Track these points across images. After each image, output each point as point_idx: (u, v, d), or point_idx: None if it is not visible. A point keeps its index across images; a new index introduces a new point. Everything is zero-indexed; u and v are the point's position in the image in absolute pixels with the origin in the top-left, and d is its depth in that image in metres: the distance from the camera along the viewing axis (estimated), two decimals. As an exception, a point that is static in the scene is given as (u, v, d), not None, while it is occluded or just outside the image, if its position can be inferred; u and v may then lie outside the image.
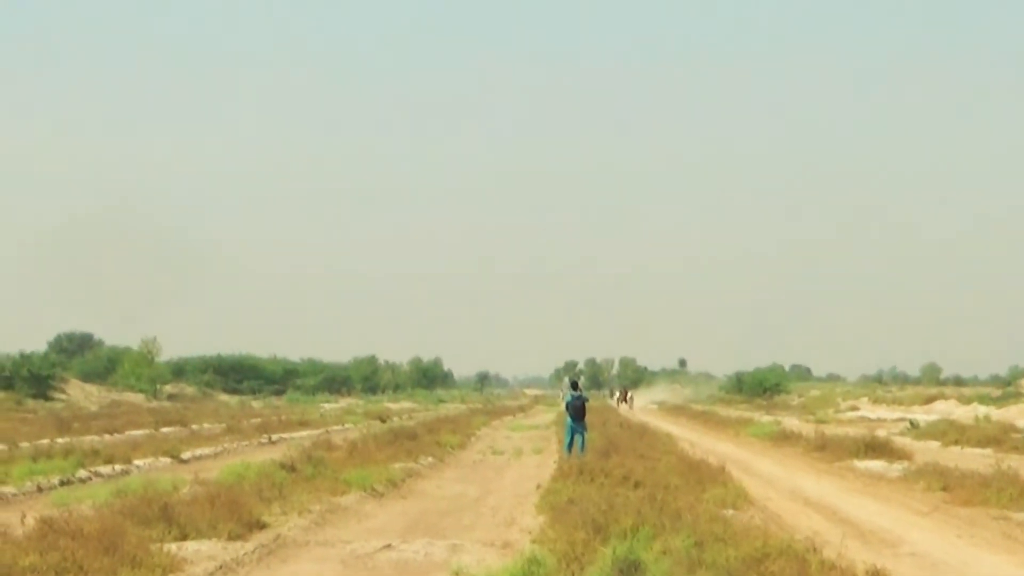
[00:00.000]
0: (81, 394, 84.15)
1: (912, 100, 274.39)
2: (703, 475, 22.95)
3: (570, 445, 30.31)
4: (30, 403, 70.14)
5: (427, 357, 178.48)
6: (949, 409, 71.18)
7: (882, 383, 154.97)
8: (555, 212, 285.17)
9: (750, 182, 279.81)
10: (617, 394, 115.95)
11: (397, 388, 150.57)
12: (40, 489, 22.38)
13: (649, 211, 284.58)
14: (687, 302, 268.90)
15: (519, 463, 32.96)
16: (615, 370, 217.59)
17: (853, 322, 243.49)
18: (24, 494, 21.71)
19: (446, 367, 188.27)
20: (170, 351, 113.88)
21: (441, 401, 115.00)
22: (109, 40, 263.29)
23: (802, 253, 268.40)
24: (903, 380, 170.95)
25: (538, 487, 22.96)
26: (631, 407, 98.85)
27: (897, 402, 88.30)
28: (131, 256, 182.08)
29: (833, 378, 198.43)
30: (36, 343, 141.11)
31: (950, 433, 41.69)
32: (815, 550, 12.84)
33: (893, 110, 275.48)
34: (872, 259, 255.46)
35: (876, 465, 29.14)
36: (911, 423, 49.92)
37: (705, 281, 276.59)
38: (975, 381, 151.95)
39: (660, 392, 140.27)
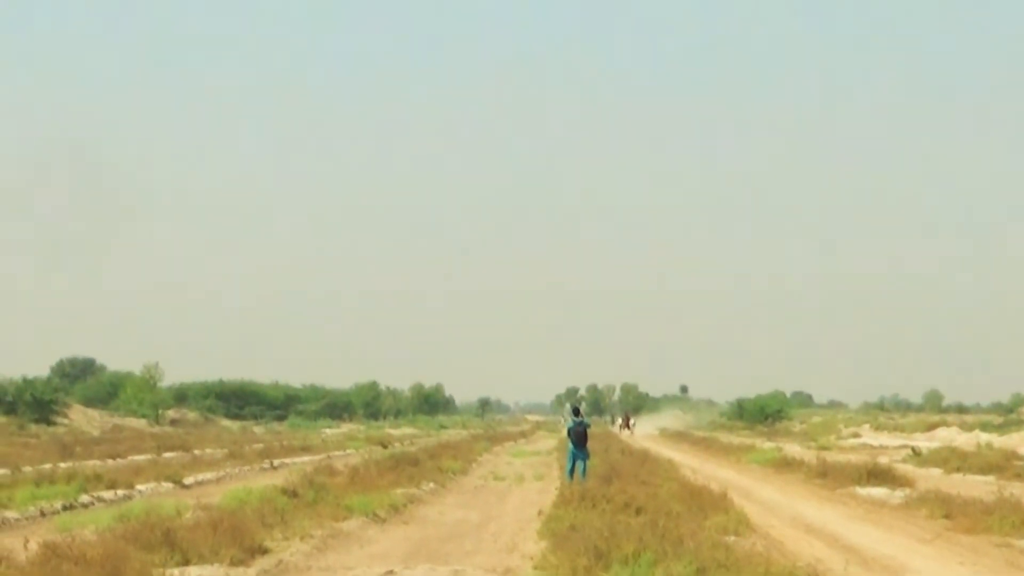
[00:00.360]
0: (83, 419, 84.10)
1: (906, 127, 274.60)
2: (705, 502, 22.95)
3: (572, 471, 30.29)
4: (32, 428, 70.12)
5: (428, 383, 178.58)
6: (951, 436, 71.13)
7: (884, 410, 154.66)
8: (557, 239, 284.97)
9: (749, 211, 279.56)
10: (619, 420, 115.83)
11: (398, 414, 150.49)
12: (43, 514, 22.39)
13: (651, 237, 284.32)
14: (689, 328, 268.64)
15: (521, 489, 32.96)
16: (616, 396, 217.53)
17: (855, 349, 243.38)
18: (27, 519, 21.72)
19: (447, 393, 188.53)
20: (172, 376, 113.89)
21: (442, 427, 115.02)
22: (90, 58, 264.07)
23: (802, 280, 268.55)
24: (905, 407, 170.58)
25: (540, 513, 22.96)
26: (633, 433, 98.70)
27: (899, 429, 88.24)
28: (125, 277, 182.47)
29: (835, 405, 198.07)
30: (38, 368, 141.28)
31: (952, 460, 41.63)
32: (817, 577, 12.85)
33: (891, 137, 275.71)
34: (872, 285, 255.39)
35: (878, 492, 29.12)
36: (913, 450, 49.89)
37: (707, 307, 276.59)
38: (977, 408, 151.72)
39: (662, 418, 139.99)
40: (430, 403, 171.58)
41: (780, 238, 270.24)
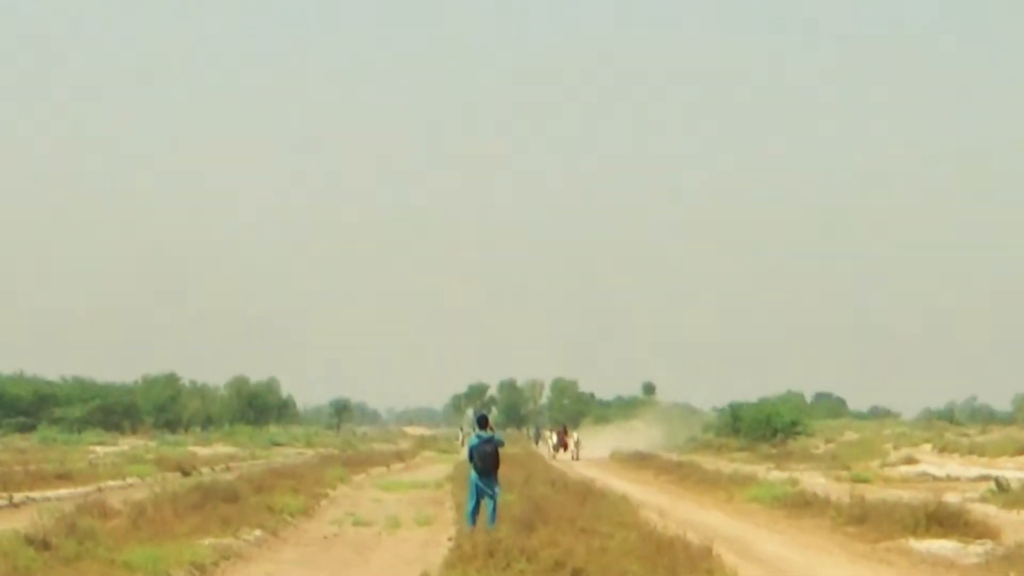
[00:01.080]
0: None
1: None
2: (678, 560, 23.04)
3: (474, 512, 30.37)
4: None
5: (256, 377, 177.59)
6: (1055, 463, 71.79)
7: (954, 422, 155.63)
8: (455, 163, 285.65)
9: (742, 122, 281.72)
10: (550, 436, 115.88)
11: (209, 423, 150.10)
12: None
13: (599, 165, 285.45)
14: (656, 300, 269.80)
15: (395, 540, 33.03)
16: (545, 399, 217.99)
17: (909, 333, 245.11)
18: None
19: (284, 392, 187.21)
20: None
21: (276, 444, 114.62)
22: None
23: (833, 231, 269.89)
24: (986, 418, 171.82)
25: (424, 577, 22.99)
26: (576, 456, 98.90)
27: (976, 451, 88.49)
28: None
29: (879, 414, 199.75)
30: None
31: (1057, 498, 42.00)
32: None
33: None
34: (939, 243, 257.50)
35: (944, 547, 29.32)
36: (997, 484, 50.23)
37: (683, 268, 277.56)
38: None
39: (614, 433, 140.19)
40: (257, 408, 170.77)
41: (796, 166, 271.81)
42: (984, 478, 57.77)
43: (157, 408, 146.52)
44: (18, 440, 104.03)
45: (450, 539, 29.07)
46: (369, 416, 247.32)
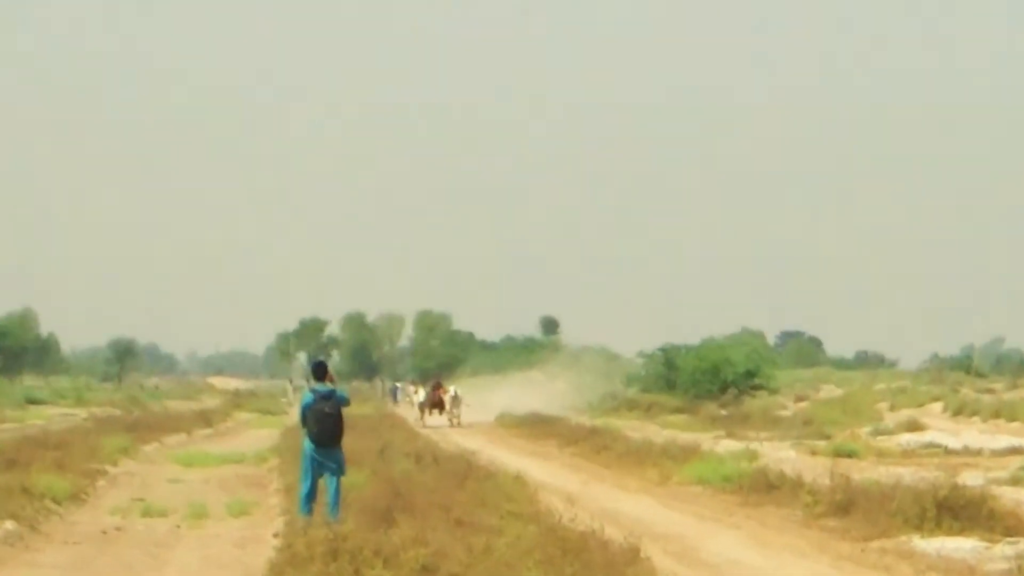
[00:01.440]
0: None
1: None
2: (593, 565, 23.11)
3: (310, 497, 30.40)
4: None
5: (3, 309, 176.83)
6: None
7: (973, 374, 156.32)
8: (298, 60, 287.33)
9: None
10: (418, 392, 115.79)
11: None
12: None
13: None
14: (555, 212, 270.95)
15: (200, 536, 33.07)
16: (406, 339, 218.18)
17: (910, 254, 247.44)
18: None
19: (45, 330, 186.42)
20: None
21: (33, 401, 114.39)
22: None
23: (813, 106, 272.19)
24: (1016, 369, 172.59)
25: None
26: (455, 419, 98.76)
27: (1005, 414, 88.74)
28: None
29: (869, 362, 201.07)
30: None
31: (1110, 480, 42.37)
32: None
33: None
34: (954, 141, 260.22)
35: (960, 547, 29.47)
36: (1032, 459, 50.59)
37: (595, 173, 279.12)
38: None
39: (503, 387, 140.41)
40: (7, 352, 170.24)
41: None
42: (1015, 451, 58.18)
43: None
44: None
45: (276, 535, 29.11)
46: (162, 363, 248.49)
